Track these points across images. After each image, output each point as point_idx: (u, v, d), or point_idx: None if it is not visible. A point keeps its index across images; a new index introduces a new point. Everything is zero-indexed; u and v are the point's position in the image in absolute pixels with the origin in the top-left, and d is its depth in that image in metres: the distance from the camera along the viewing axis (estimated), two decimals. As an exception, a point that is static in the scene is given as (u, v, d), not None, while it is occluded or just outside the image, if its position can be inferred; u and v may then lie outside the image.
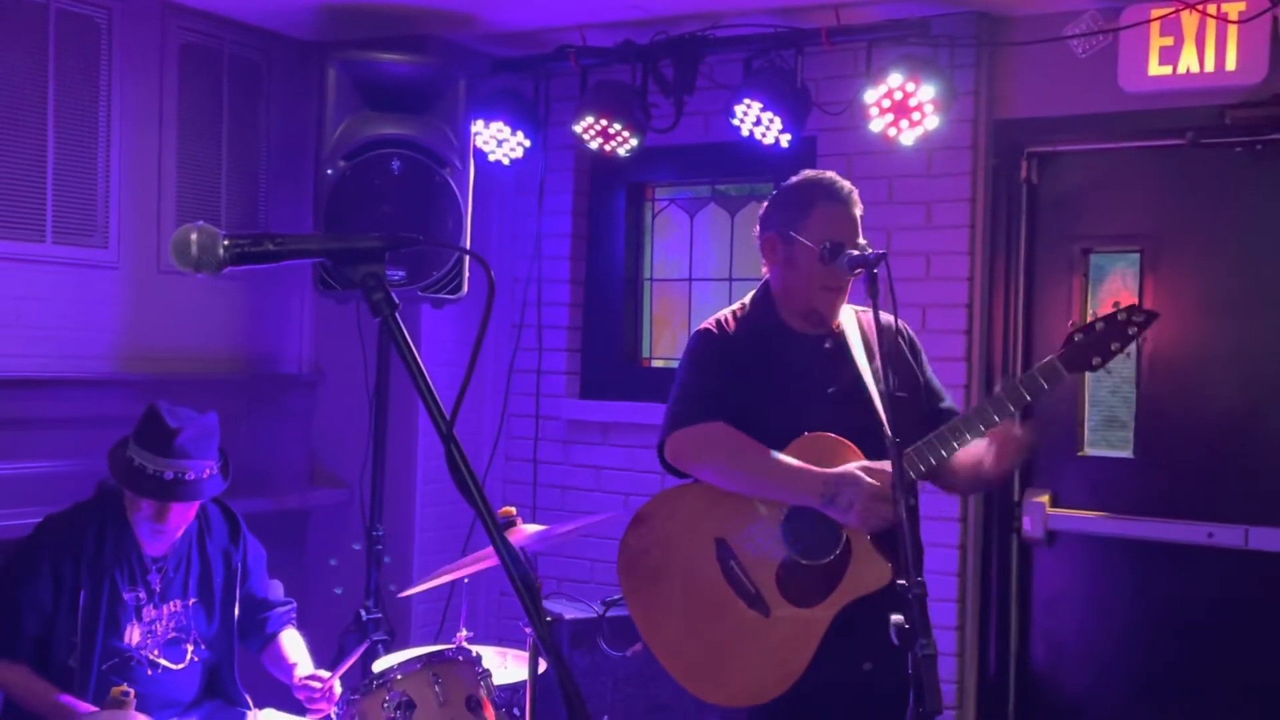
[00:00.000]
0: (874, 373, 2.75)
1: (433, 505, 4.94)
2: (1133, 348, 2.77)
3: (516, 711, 3.34)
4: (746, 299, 2.94)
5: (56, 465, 4.02)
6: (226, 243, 1.59)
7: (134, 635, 3.11)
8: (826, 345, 2.81)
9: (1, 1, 3.94)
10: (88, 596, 3.03)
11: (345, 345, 4.82)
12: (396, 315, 1.68)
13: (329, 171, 4.21)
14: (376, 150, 4.22)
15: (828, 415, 2.73)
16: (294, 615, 3.50)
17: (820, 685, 2.65)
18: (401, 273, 4.16)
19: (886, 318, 2.90)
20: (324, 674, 3.17)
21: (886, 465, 2.51)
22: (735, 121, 4.17)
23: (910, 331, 2.97)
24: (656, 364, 5.08)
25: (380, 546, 4.41)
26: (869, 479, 2.58)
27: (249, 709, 3.27)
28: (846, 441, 2.68)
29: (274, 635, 3.40)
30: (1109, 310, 2.67)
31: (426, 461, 4.91)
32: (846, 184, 2.84)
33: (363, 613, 4.33)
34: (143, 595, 3.14)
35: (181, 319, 4.57)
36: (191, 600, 3.23)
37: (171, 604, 3.19)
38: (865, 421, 2.66)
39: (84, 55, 4.18)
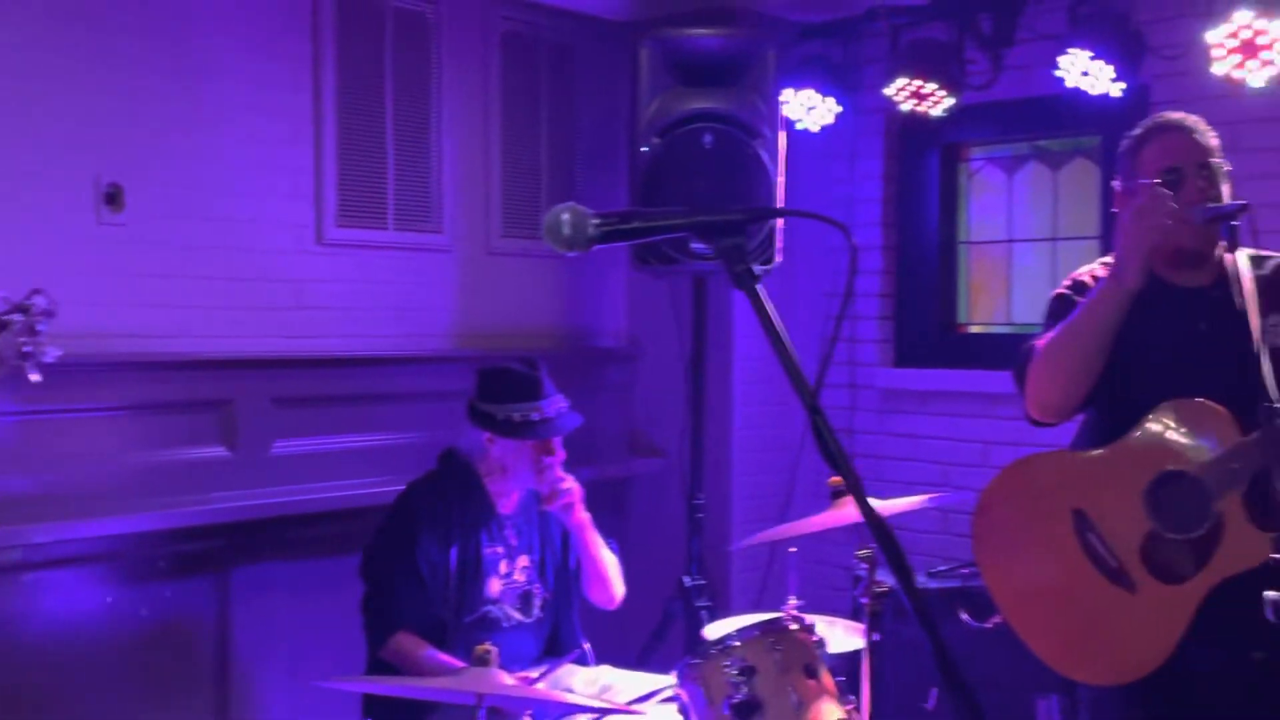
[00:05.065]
0: (1265, 325, 2.54)
1: (749, 474, 5.00)
2: None
3: (843, 680, 3.32)
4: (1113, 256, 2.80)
5: (400, 438, 4.31)
6: (597, 221, 1.64)
7: (494, 588, 3.30)
8: (1212, 295, 2.61)
9: (346, 4, 4.22)
10: (459, 553, 3.23)
11: (659, 319, 4.93)
12: (759, 287, 1.69)
13: (642, 149, 4.30)
14: (688, 125, 4.27)
15: (1202, 372, 2.56)
16: None
17: (1203, 674, 2.51)
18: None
19: None
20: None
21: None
22: (1060, 73, 3.98)
23: None
24: (975, 330, 4.93)
25: (701, 515, 4.49)
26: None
27: (589, 661, 3.40)
28: (1214, 406, 2.51)
29: None
30: None
31: (742, 431, 4.97)
32: (1183, 115, 2.69)
33: (685, 580, 4.43)
34: (501, 550, 3.32)
35: (507, 298, 4.79)
36: (539, 555, 3.40)
37: (523, 558, 3.37)
38: (1245, 381, 2.46)
39: (417, 50, 4.44)
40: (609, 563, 3.45)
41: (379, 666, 3.22)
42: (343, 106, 4.24)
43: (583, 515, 3.37)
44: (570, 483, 3.33)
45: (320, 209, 4.23)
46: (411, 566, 3.20)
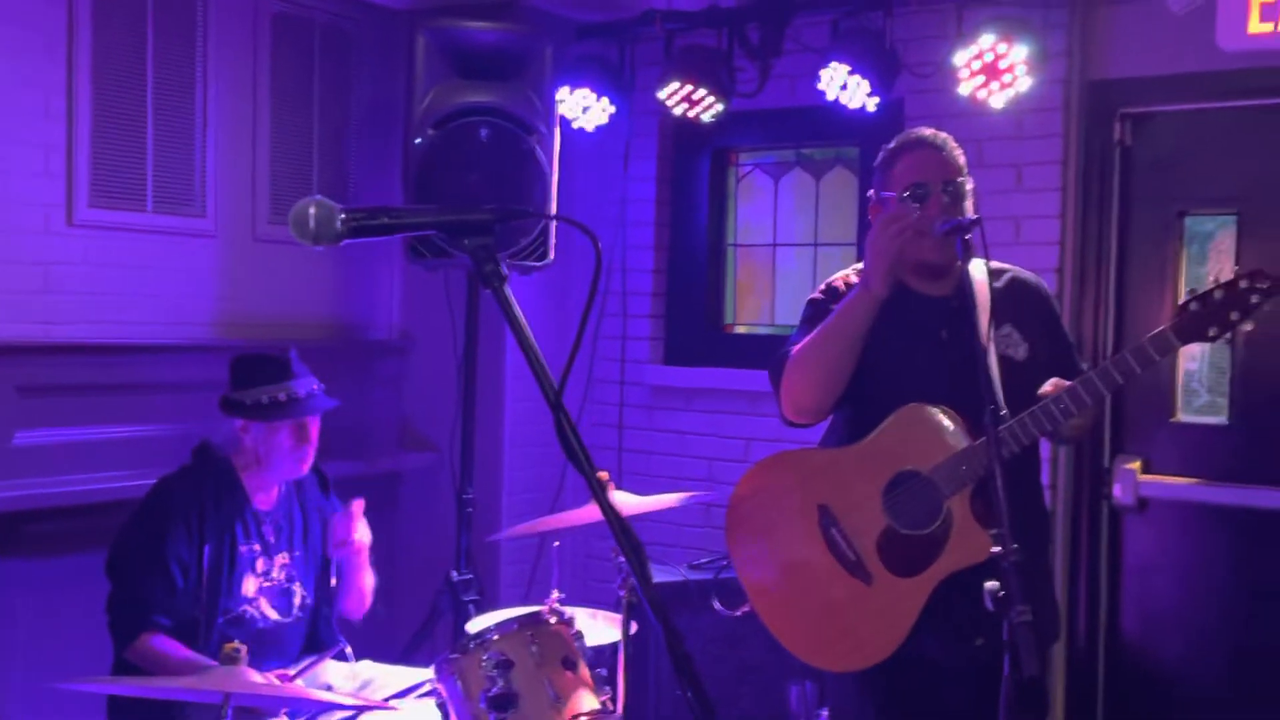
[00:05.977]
0: (997, 336, 2.72)
1: (520, 469, 5.02)
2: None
3: (604, 671, 3.39)
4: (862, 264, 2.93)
5: (160, 429, 4.14)
6: (344, 216, 1.63)
7: (250, 587, 3.23)
8: (951, 305, 2.76)
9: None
10: (212, 551, 3.15)
11: (434, 313, 4.89)
12: (506, 287, 1.71)
13: (418, 140, 4.26)
14: (464, 118, 4.25)
15: (941, 378, 2.72)
16: None
17: (931, 660, 2.67)
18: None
19: (1023, 276, 2.89)
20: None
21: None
22: (822, 85, 4.15)
23: (1047, 291, 2.94)
24: (740, 330, 5.09)
25: (470, 509, 4.49)
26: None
27: (348, 657, 3.37)
28: (947, 410, 2.67)
29: None
30: (1230, 277, 2.52)
31: (513, 427, 4.98)
32: (934, 132, 2.84)
33: (453, 574, 4.42)
34: (258, 547, 3.26)
35: (276, 287, 4.67)
36: (297, 552, 3.35)
37: (281, 555, 3.31)
38: (976, 387, 2.61)
39: (180, 26, 4.27)
40: (369, 585, 3.44)
41: (125, 668, 3.10)
42: (98, 80, 4.04)
43: (362, 561, 3.35)
44: (361, 534, 3.29)
45: (72, 188, 4.02)
46: (160, 564, 3.10)
